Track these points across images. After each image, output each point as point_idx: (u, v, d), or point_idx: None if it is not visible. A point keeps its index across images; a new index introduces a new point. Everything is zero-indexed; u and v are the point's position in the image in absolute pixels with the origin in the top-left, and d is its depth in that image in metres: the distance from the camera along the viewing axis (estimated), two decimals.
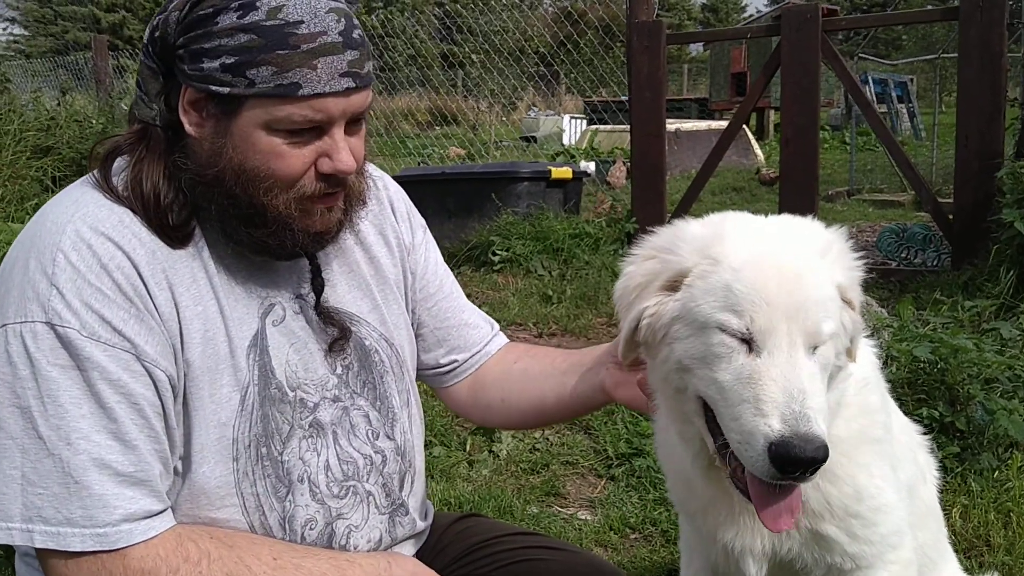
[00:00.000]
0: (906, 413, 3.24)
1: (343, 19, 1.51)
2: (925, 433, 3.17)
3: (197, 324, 1.55)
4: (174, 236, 1.55)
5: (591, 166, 12.71)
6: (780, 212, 4.79)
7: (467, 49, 15.18)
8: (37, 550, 1.45)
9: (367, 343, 1.80)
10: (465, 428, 3.89)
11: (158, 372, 1.49)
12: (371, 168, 1.89)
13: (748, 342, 1.37)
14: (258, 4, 1.45)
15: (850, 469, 1.63)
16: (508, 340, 2.12)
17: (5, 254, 3.54)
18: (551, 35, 15.79)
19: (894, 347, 3.43)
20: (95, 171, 1.59)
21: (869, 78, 15.51)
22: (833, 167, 14.37)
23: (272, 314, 1.67)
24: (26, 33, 48.88)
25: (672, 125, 14.91)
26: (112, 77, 11.09)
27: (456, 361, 2.02)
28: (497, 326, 2.10)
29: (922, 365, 3.39)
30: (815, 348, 1.38)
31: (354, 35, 1.53)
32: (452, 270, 6.44)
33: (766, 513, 1.42)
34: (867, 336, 1.78)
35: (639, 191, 6.65)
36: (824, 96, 20.24)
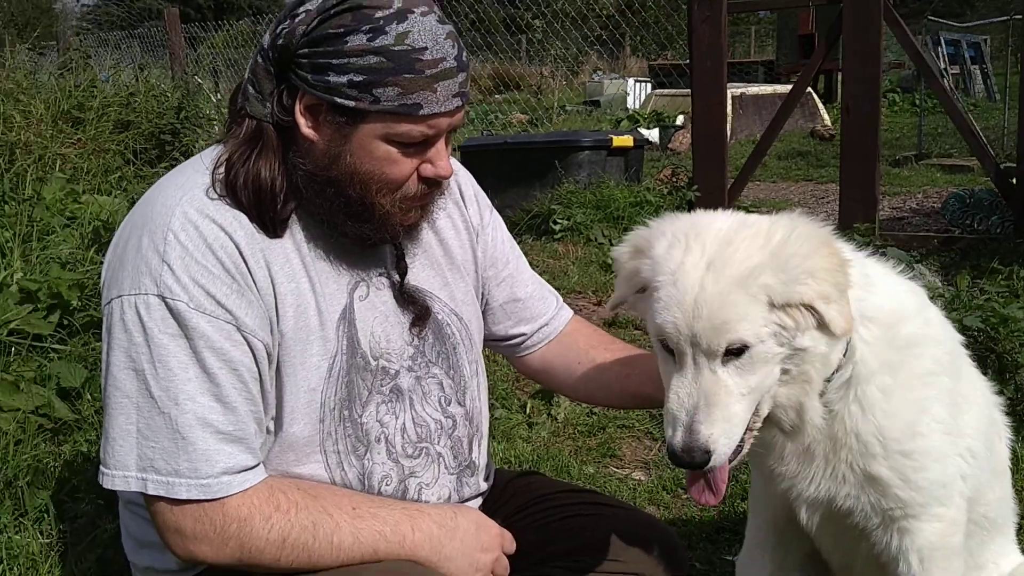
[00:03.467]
0: None
1: (456, 44, 1.68)
2: None
3: (291, 299, 1.74)
4: (275, 228, 1.73)
5: (654, 132, 12.71)
6: (841, 182, 4.85)
7: (532, 13, 15.13)
8: (146, 496, 1.65)
9: (440, 317, 1.98)
10: (525, 392, 4.05)
11: (256, 341, 1.68)
12: None
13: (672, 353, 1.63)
14: (387, 29, 1.60)
15: (895, 403, 1.74)
16: (573, 314, 2.28)
17: (95, 227, 3.79)
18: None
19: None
20: (207, 164, 1.75)
21: (941, 39, 15.16)
22: (902, 130, 14.11)
23: (359, 290, 1.85)
24: (97, 2, 49.74)
25: (737, 90, 14.77)
26: (184, 49, 11.37)
27: (524, 334, 2.19)
28: (560, 298, 2.26)
29: (972, 334, 3.45)
30: (725, 357, 1.59)
31: (463, 57, 1.70)
32: (515, 239, 6.59)
33: (692, 489, 1.72)
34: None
35: (700, 160, 6.70)
36: (895, 58, 19.85)
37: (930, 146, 11.72)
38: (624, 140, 7.11)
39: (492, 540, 1.86)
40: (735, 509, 3.00)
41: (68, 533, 2.56)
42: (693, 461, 1.58)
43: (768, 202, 8.82)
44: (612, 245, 6.32)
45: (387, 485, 1.86)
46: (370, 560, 1.71)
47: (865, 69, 5.94)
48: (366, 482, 1.84)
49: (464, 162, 7.46)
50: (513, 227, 6.84)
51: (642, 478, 3.35)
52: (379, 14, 1.61)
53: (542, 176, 6.98)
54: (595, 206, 6.66)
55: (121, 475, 1.63)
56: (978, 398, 1.95)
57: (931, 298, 3.70)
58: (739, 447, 1.65)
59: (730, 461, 1.66)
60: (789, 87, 14.10)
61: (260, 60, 1.72)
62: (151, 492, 1.62)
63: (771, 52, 24.86)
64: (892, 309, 1.78)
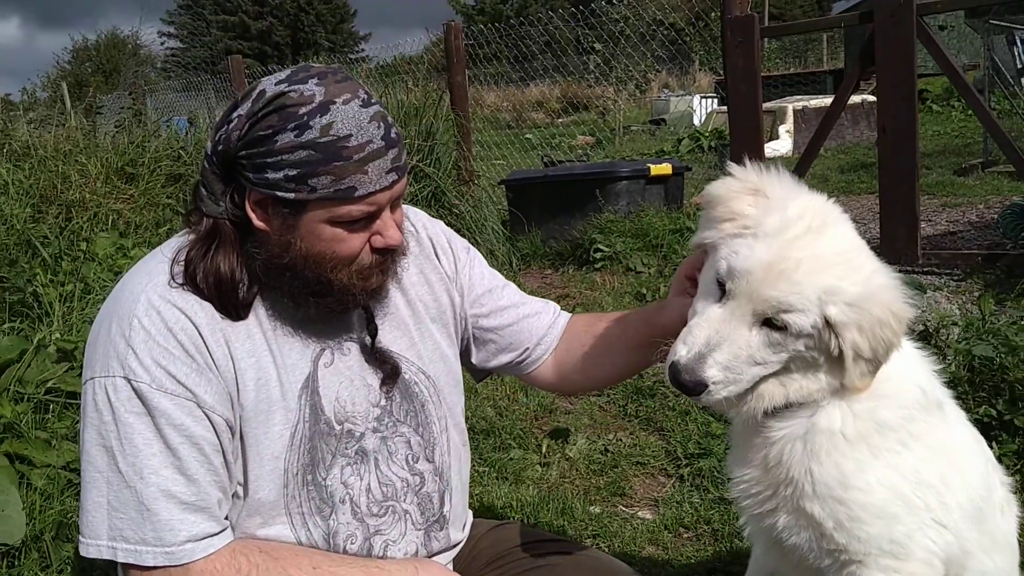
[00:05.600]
0: (965, 411, 3.29)
1: (382, 124, 1.78)
2: (985, 431, 3.21)
3: (251, 373, 1.86)
4: (238, 313, 1.86)
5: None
6: (881, 201, 4.76)
7: (596, 35, 15.16)
8: (120, 563, 1.80)
9: (407, 376, 2.08)
10: (542, 430, 4.12)
11: (216, 417, 1.81)
12: (408, 211, 2.17)
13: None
14: (311, 123, 1.72)
15: (836, 456, 1.79)
16: (569, 316, 2.34)
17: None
18: (687, 12, 15.62)
19: (953, 346, 3.46)
20: (169, 255, 1.89)
21: (1017, 38, 14.70)
22: (973, 136, 13.68)
23: (323, 358, 1.96)
24: (182, 46, 51.71)
25: (799, 103, 14.62)
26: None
27: (527, 348, 2.27)
28: (557, 307, 2.33)
29: (982, 362, 3.41)
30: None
31: (392, 134, 1.80)
32: (558, 269, 6.69)
33: None
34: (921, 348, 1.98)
35: None
36: (970, 59, 19.32)
37: (998, 153, 11.33)
38: (662, 168, 7.14)
39: None
40: (728, 548, 3.03)
41: None
42: (684, 382, 1.66)
43: None
44: (650, 274, 6.43)
45: (352, 544, 1.97)
46: None
47: (900, 88, 5.87)
48: (331, 541, 1.96)
49: (508, 194, 7.58)
50: (557, 257, 6.97)
51: (648, 516, 3.39)
52: (303, 110, 1.73)
53: (583, 206, 7.06)
54: (634, 234, 6.70)
55: (95, 544, 1.78)
56: (971, 479, 1.94)
57: (943, 325, 3.71)
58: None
59: None
60: (856, 98, 13.89)
61: (207, 165, 1.86)
62: (121, 560, 1.77)
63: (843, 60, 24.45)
64: (883, 391, 1.82)
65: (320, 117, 1.73)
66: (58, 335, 3.71)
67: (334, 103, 1.74)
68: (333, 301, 1.88)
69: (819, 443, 1.80)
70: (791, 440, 1.82)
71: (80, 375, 3.56)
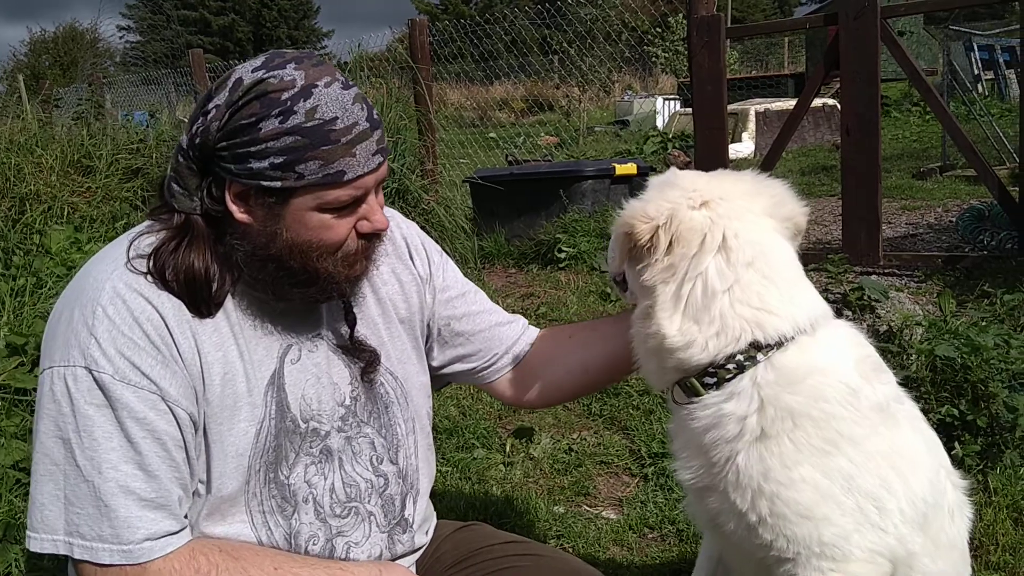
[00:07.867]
0: (928, 411, 3.31)
1: (364, 105, 1.74)
2: (948, 431, 3.22)
3: (217, 367, 1.80)
4: (209, 310, 1.80)
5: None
6: (843, 202, 4.82)
7: (568, 33, 15.17)
8: (74, 560, 1.73)
9: (373, 376, 2.04)
10: (507, 430, 4.08)
11: (180, 411, 1.75)
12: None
13: None
14: (295, 108, 1.66)
15: (759, 448, 1.77)
16: (538, 331, 2.32)
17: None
18: (653, 12, 15.70)
19: (915, 346, 3.47)
20: (134, 243, 1.82)
21: (974, 44, 14.96)
22: (931, 141, 13.87)
23: (290, 354, 1.91)
24: (141, 39, 51.04)
25: (761, 106, 14.73)
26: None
27: (496, 356, 2.24)
28: (525, 320, 2.31)
29: (945, 363, 3.42)
30: None
31: (374, 116, 1.76)
32: (522, 268, 6.67)
33: None
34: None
35: None
36: (928, 64, 19.61)
37: (956, 157, 11.49)
38: (627, 168, 7.13)
39: None
40: (693, 549, 3.01)
41: None
42: None
43: None
44: None
45: (314, 545, 1.92)
46: None
47: (864, 90, 5.91)
48: (292, 541, 1.90)
49: (473, 193, 7.53)
50: (521, 256, 6.93)
51: (612, 516, 3.36)
52: (285, 95, 1.67)
53: (548, 206, 7.03)
54: (599, 234, 6.68)
55: (49, 539, 1.71)
56: (917, 485, 1.90)
57: (907, 325, 3.71)
58: None
59: None
60: (817, 101, 14.02)
61: (181, 159, 1.79)
62: (77, 556, 1.70)
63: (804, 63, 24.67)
64: (792, 376, 1.79)
65: (304, 101, 1.67)
66: (8, 330, 3.60)
67: (316, 86, 1.69)
68: (316, 291, 1.83)
69: (732, 430, 1.79)
70: (711, 426, 1.82)
71: (30, 371, 3.48)
